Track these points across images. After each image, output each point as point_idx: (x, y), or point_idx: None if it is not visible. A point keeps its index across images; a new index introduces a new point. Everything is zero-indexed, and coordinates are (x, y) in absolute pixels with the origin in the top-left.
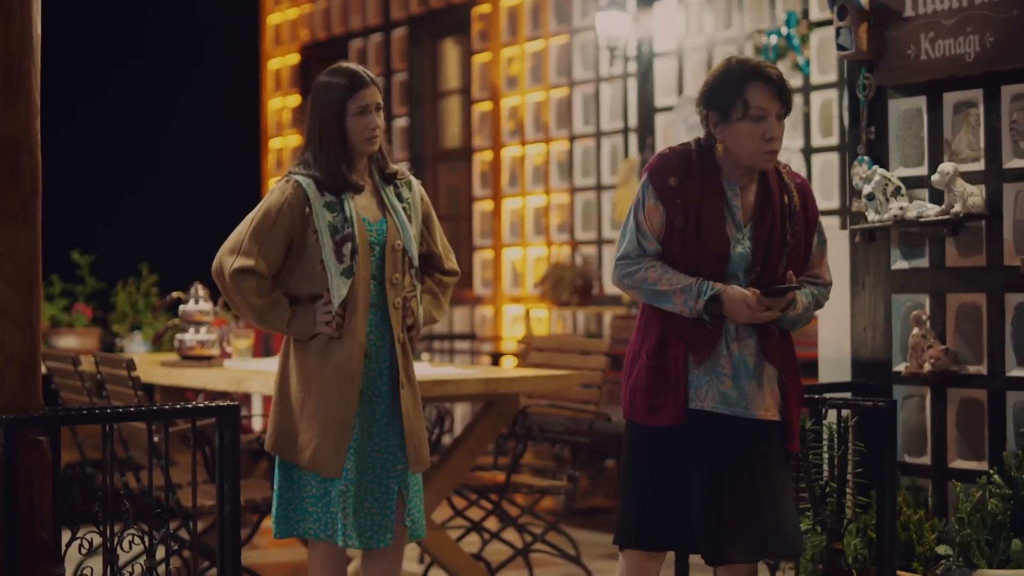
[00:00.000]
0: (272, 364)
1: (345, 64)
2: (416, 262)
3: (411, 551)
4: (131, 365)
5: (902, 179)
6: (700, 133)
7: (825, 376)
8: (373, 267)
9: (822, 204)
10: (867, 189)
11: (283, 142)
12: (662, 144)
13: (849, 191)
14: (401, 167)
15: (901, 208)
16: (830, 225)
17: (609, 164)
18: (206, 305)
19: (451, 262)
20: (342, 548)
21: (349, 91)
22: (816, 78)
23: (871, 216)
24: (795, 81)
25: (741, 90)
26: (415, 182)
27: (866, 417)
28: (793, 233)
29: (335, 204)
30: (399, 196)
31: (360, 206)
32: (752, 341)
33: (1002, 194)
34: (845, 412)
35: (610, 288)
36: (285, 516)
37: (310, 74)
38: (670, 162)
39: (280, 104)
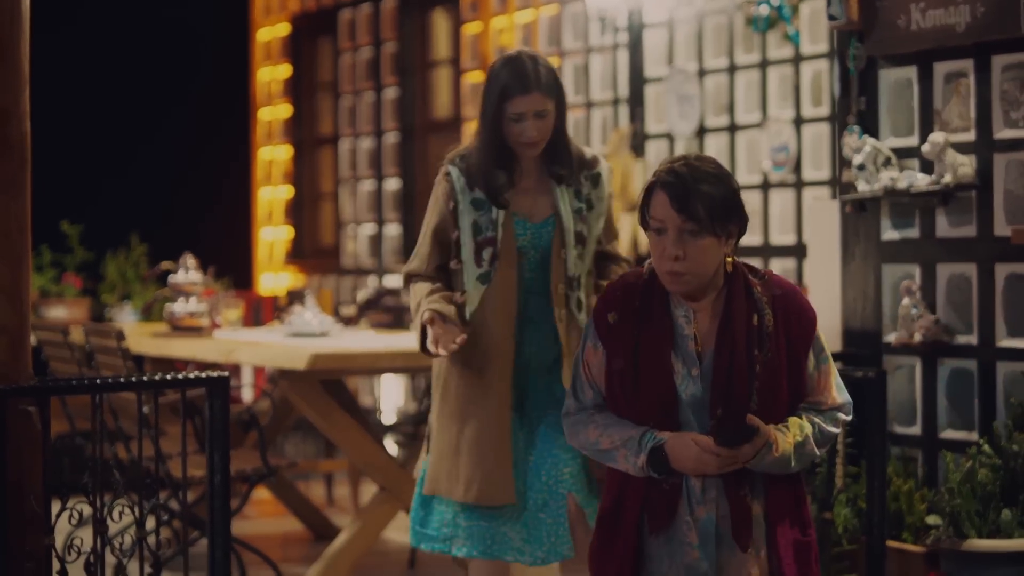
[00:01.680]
0: (262, 334)
1: (519, 55)
2: (577, 272)
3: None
4: (121, 335)
5: (893, 149)
6: (693, 104)
7: None
8: (527, 275)
9: (812, 175)
10: (858, 159)
11: (272, 112)
12: (652, 115)
13: (840, 162)
14: (591, 157)
15: (891, 178)
16: (819, 195)
17: (599, 134)
18: (196, 275)
19: (618, 250)
20: (507, 564)
21: (505, 95)
22: (807, 48)
23: (861, 186)
24: (785, 52)
25: (649, 195)
26: (604, 174)
27: (856, 387)
28: (765, 361)
29: (483, 201)
30: (579, 194)
31: (521, 205)
32: (725, 500)
33: (992, 164)
34: None
35: None
36: (430, 528)
37: (300, 44)
38: (612, 295)
39: (270, 75)
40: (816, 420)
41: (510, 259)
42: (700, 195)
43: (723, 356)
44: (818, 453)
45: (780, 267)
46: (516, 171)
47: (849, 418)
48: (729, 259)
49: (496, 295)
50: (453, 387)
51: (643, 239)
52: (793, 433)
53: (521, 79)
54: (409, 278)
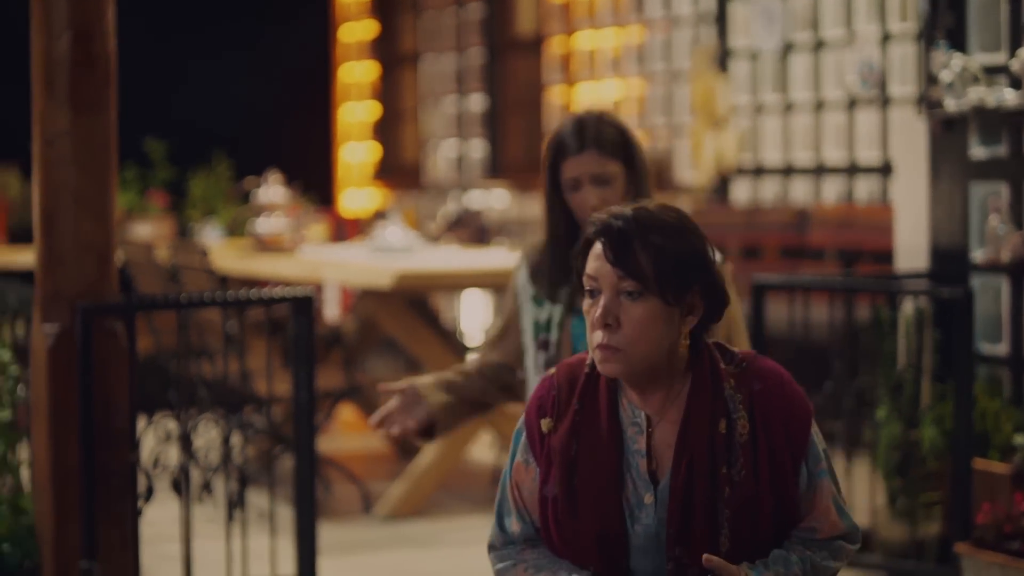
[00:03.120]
0: (347, 251)
1: (583, 113)
2: None
3: None
4: (205, 253)
5: (981, 66)
6: (778, 20)
7: (902, 264)
8: None
9: (899, 91)
10: (945, 76)
11: (351, 30)
12: (738, 32)
13: (927, 79)
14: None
15: (980, 96)
16: (904, 118)
17: (685, 52)
18: (280, 192)
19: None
20: None
21: (559, 156)
22: None
23: (949, 104)
24: None
25: (586, 248)
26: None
27: (943, 306)
28: (734, 482)
29: (543, 299)
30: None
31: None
32: None
33: None
34: (922, 301)
35: (684, 176)
36: None
37: None
38: (547, 393)
39: None
40: (808, 554)
41: None
42: (646, 245)
43: (678, 477)
44: None
45: (866, 187)
46: None
47: (856, 547)
48: (686, 341)
49: None
50: None
51: (728, 159)
52: (775, 572)
53: (575, 135)
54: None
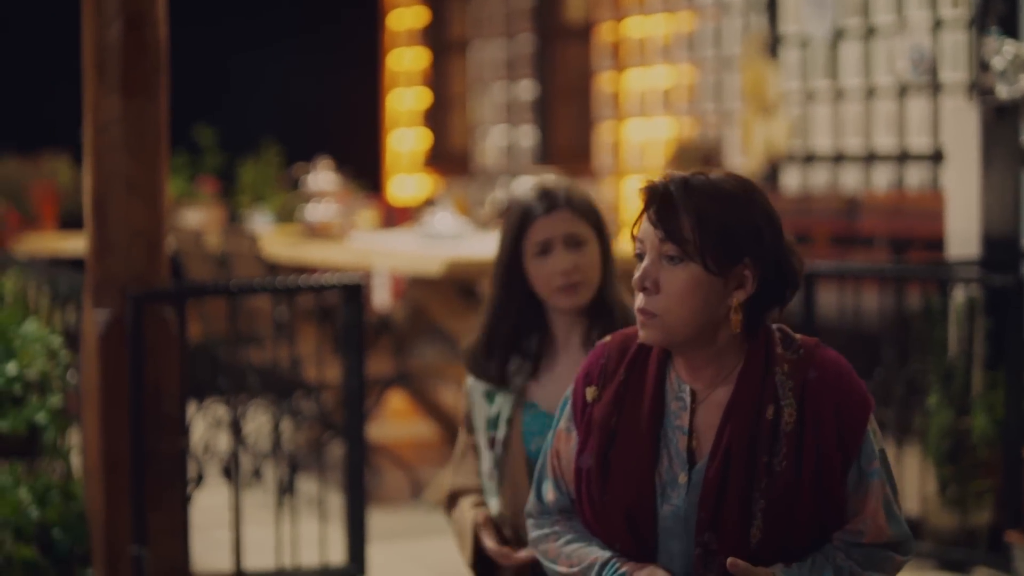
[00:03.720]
0: (397, 238)
1: (541, 180)
2: None
3: None
4: (255, 240)
5: None
6: (828, 6)
7: (953, 251)
8: None
9: (951, 78)
10: (997, 63)
11: (400, 17)
12: (788, 18)
13: (979, 65)
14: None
15: None
16: (955, 105)
17: (736, 38)
18: (330, 179)
19: None
20: None
21: (526, 220)
22: None
23: (1001, 91)
24: None
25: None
26: None
27: (995, 294)
28: (773, 473)
29: (494, 392)
30: None
31: (544, 392)
32: None
33: None
34: (973, 288)
35: (734, 164)
36: None
37: None
38: (596, 361)
39: None
40: (848, 564)
41: (516, 469)
42: (691, 209)
43: (716, 460)
44: None
45: (917, 174)
46: (544, 341)
47: (906, 559)
48: (736, 316)
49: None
50: None
51: (778, 146)
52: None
53: (543, 196)
54: (454, 497)
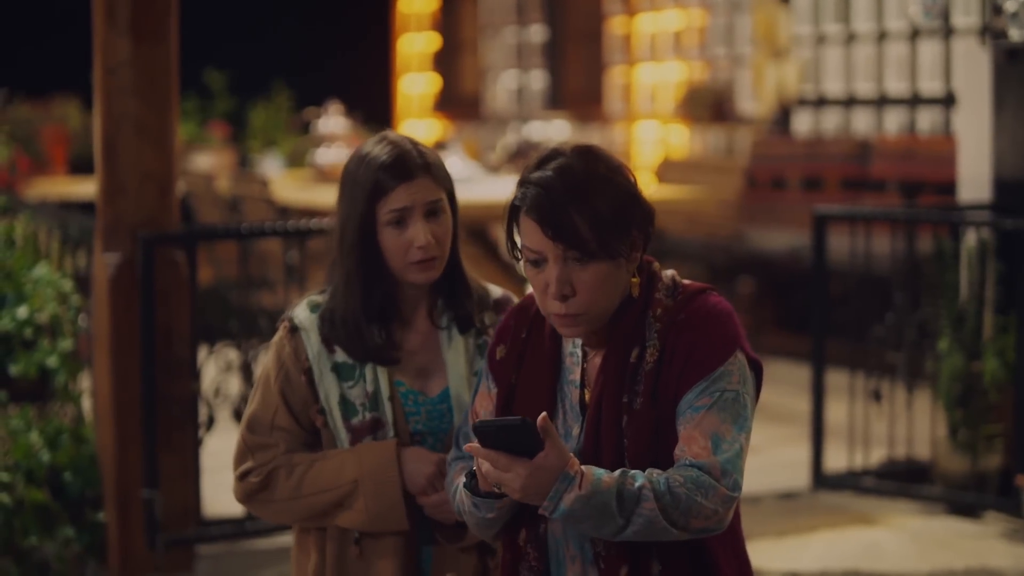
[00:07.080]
0: None
1: (390, 135)
2: None
3: None
4: (266, 183)
5: None
6: None
7: (965, 195)
8: None
9: (962, 22)
10: (1010, 6)
11: None
12: None
13: (991, 8)
14: (502, 296)
15: None
16: (967, 48)
17: None
18: (340, 123)
19: None
20: None
21: (379, 189)
22: None
23: (1013, 34)
24: None
25: (513, 220)
26: None
27: (1006, 238)
28: (632, 411)
29: (352, 368)
30: (482, 350)
31: (407, 371)
32: None
33: None
34: (984, 232)
35: (745, 108)
36: None
37: None
38: (507, 321)
39: None
40: (663, 478)
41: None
42: (582, 212)
43: (592, 408)
44: (673, 530)
45: (929, 118)
46: (396, 318)
47: (733, 495)
48: (635, 279)
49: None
50: None
51: (790, 90)
52: (622, 478)
53: (403, 160)
54: (265, 478)
